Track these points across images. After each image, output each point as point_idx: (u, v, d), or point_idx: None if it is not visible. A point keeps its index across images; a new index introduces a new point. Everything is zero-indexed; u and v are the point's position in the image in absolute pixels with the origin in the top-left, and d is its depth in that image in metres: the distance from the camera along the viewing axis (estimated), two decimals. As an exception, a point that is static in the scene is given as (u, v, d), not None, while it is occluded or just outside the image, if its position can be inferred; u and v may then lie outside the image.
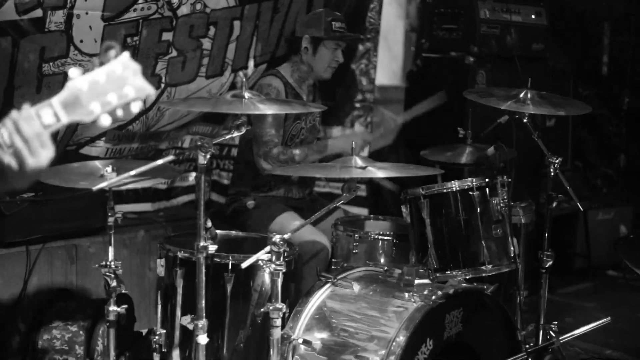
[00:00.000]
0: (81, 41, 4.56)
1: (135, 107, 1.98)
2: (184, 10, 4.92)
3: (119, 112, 1.97)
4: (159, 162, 3.38)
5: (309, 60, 4.64)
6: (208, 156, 3.32)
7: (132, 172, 3.24)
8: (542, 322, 4.35)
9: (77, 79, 1.93)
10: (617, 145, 7.47)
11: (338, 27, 4.63)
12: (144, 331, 4.45)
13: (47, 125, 1.96)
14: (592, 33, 7.46)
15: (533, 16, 6.02)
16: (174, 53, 4.99)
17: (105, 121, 1.95)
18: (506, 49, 5.84)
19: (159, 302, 3.87)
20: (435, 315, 3.55)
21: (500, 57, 5.85)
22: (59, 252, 4.71)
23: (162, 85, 5.03)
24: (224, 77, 5.33)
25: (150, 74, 4.93)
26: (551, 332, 4.33)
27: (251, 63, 5.47)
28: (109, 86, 1.93)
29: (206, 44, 5.13)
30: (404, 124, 5.08)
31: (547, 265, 4.33)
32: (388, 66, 6.96)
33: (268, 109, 3.67)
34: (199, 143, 3.30)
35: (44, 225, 4.62)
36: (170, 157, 3.53)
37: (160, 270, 3.87)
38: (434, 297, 3.52)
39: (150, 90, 1.98)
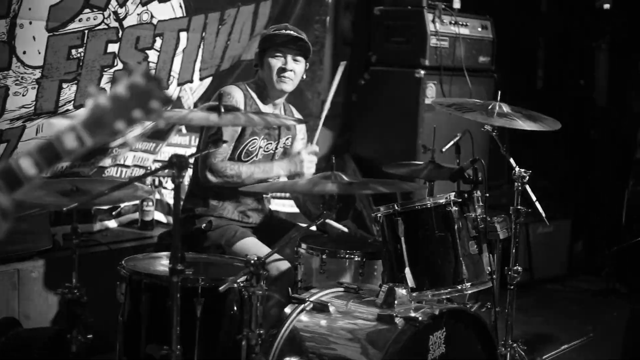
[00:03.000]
0: (24, 52, 4.32)
1: (162, 122, 1.84)
2: (130, 21, 4.71)
3: (147, 128, 1.84)
4: (132, 181, 3.17)
5: (262, 75, 4.44)
6: (184, 173, 3.12)
7: (105, 191, 3.01)
8: (510, 339, 4.27)
9: (99, 97, 1.81)
10: (553, 159, 7.50)
11: (267, 35, 4.43)
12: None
13: (70, 151, 1.83)
14: (528, 47, 7.49)
15: (480, 29, 5.99)
16: (120, 66, 4.76)
17: (132, 141, 1.82)
18: (455, 62, 5.79)
19: (120, 329, 3.63)
20: (420, 337, 3.41)
21: (450, 69, 5.80)
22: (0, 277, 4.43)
23: (107, 100, 4.79)
24: (169, 91, 5.12)
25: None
26: (519, 350, 4.26)
27: (196, 76, 5.29)
28: (133, 102, 1.78)
29: (152, 56, 4.92)
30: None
31: (514, 282, 4.26)
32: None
33: (242, 122, 3.47)
34: (175, 160, 3.09)
35: (-18, 249, 4.34)
36: (142, 176, 3.28)
37: (120, 296, 3.63)
38: (420, 318, 3.37)
39: (171, 99, 1.83)
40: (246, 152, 4.39)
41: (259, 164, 4.41)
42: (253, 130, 4.38)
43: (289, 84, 4.40)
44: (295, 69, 4.39)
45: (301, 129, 4.67)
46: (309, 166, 4.42)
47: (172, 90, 5.15)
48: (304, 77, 4.50)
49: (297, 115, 4.67)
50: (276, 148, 4.51)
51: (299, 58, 4.40)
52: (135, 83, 1.79)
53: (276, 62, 4.36)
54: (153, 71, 1.83)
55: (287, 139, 4.56)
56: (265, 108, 4.44)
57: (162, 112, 1.80)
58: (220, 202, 4.44)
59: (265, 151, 4.46)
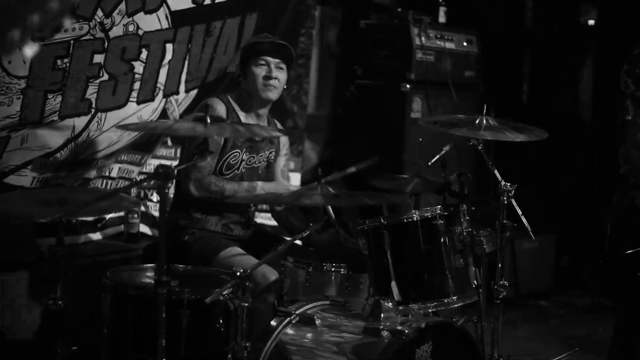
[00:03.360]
0: (9, 62, 4.28)
1: (69, 24, 1.64)
2: (116, 31, 4.69)
3: (47, 33, 1.63)
4: (118, 191, 3.15)
5: (245, 86, 4.44)
6: (170, 184, 3.11)
7: (92, 201, 2.99)
8: (495, 354, 4.25)
9: None
10: (538, 174, 7.52)
11: (250, 43, 4.44)
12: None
13: None
14: (513, 62, 7.51)
15: (465, 43, 6.01)
16: (105, 77, 4.74)
17: (30, 50, 1.61)
18: (441, 76, 5.79)
19: (105, 341, 3.60)
20: (406, 351, 3.40)
21: (435, 84, 5.81)
22: (-17, 288, 4.40)
23: (92, 111, 4.76)
24: (155, 102, 5.09)
25: (80, 98, 4.67)
26: (506, 364, 4.25)
27: (182, 88, 5.26)
28: (28, 6, 1.55)
29: (138, 67, 4.90)
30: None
31: (500, 296, 4.24)
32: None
33: (228, 133, 3.45)
34: (161, 170, 3.08)
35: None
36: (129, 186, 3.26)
37: (105, 308, 3.60)
38: (406, 331, 3.36)
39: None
40: (227, 166, 4.37)
41: (243, 183, 4.39)
42: (234, 143, 4.36)
43: (274, 92, 4.40)
44: (279, 76, 4.38)
45: (284, 144, 4.66)
46: None
47: (158, 103, 5.12)
48: (285, 86, 4.49)
49: (280, 127, 4.66)
50: (259, 162, 4.49)
51: (282, 65, 4.40)
52: None
53: (260, 71, 4.36)
54: None
55: (271, 152, 4.54)
56: (248, 120, 4.43)
57: (66, 13, 1.58)
58: (204, 214, 4.42)
59: (247, 164, 4.44)
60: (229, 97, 4.43)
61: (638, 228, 4.33)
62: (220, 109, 4.33)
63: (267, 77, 4.35)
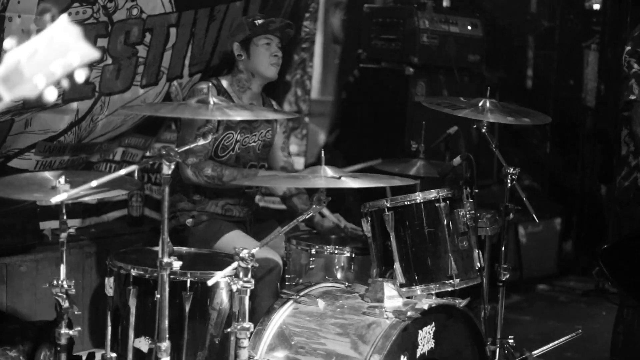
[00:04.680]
0: (13, 46, 4.27)
1: (81, 76, 1.76)
2: (119, 15, 4.68)
3: (65, 83, 1.77)
4: (121, 172, 3.14)
5: (247, 66, 4.43)
6: (173, 166, 3.11)
7: (94, 184, 2.99)
8: (499, 336, 4.26)
9: (15, 51, 1.70)
10: (542, 159, 7.51)
11: (261, 22, 4.44)
12: (83, 354, 4.19)
13: None
14: (517, 46, 7.49)
15: (469, 27, 5.99)
16: (109, 60, 4.73)
17: (52, 95, 1.72)
18: (445, 60, 5.78)
19: (109, 323, 3.62)
20: (409, 332, 3.40)
21: (439, 67, 5.80)
22: (-13, 271, 4.40)
23: (96, 95, 4.75)
24: (159, 86, 5.08)
25: (84, 82, 4.65)
26: (509, 346, 4.25)
27: (186, 72, 5.25)
28: (51, 55, 1.70)
29: (142, 51, 4.89)
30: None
31: (504, 279, 4.24)
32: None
33: (235, 115, 3.45)
34: (164, 152, 3.08)
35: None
36: (133, 167, 3.26)
37: (109, 290, 3.62)
38: (409, 313, 3.37)
39: (95, 54, 1.76)
40: (222, 147, 4.37)
41: (242, 169, 4.38)
42: (228, 124, 4.35)
43: (277, 70, 4.46)
44: (280, 55, 4.43)
45: (282, 122, 4.66)
46: None
47: (162, 86, 5.11)
48: None
49: (276, 107, 4.67)
50: (254, 141, 4.48)
51: (280, 45, 4.45)
52: (52, 35, 1.71)
53: (267, 49, 4.39)
54: (71, 23, 1.75)
55: (268, 131, 4.54)
56: (242, 100, 4.44)
57: (84, 66, 1.73)
58: (203, 197, 4.42)
59: (242, 145, 4.44)
60: (221, 80, 4.43)
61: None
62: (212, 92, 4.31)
63: (275, 55, 4.39)
